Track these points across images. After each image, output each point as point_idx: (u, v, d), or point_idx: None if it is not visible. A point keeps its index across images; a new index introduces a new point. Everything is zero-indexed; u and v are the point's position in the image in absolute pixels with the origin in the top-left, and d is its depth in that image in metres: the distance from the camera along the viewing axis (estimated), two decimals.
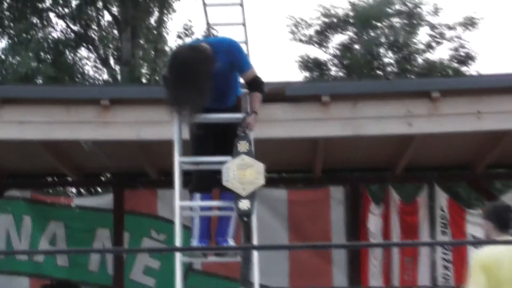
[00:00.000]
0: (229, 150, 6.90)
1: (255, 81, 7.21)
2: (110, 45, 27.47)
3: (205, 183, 7.22)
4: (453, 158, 12.19)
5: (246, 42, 9.59)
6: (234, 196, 6.58)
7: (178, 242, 6.60)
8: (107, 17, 27.56)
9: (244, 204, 6.47)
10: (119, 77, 26.56)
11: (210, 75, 6.88)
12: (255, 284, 6.48)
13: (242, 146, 6.71)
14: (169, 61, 7.29)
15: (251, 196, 6.52)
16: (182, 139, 6.99)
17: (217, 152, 7.00)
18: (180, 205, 6.69)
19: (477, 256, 6.98)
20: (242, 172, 6.53)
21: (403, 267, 12.92)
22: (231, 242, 7.09)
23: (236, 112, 7.15)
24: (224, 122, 7.19)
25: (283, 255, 12.91)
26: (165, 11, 28.00)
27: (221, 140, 7.14)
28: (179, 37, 28.16)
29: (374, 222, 12.95)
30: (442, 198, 13.13)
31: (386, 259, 12.93)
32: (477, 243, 8.08)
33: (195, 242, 7.10)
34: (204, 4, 10.08)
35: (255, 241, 6.69)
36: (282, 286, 12.79)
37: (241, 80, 7.40)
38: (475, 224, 12.82)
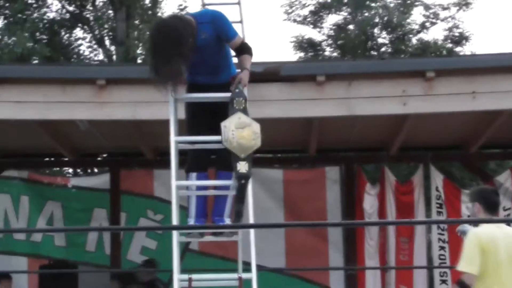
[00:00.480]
0: None
1: (242, 46, 7.32)
2: (105, 26, 27.44)
3: (201, 162, 7.23)
4: (448, 138, 12.20)
5: (241, 22, 9.58)
6: (232, 157, 6.52)
7: (175, 221, 6.59)
8: None
9: (242, 167, 6.42)
10: (114, 57, 26.54)
11: (192, 42, 6.89)
12: (252, 263, 6.47)
13: (238, 103, 6.67)
14: (152, 28, 7.33)
15: (249, 158, 6.48)
16: (177, 118, 6.97)
17: (211, 131, 6.97)
18: (176, 184, 6.69)
19: (475, 236, 7.01)
20: (240, 132, 6.48)
21: (399, 247, 12.92)
22: (227, 221, 7.08)
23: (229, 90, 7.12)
24: (217, 101, 7.19)
25: (279, 235, 12.93)
26: None
27: (215, 118, 7.10)
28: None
29: (369, 202, 12.95)
30: (438, 178, 13.13)
31: (382, 239, 12.95)
32: (473, 221, 8.06)
33: (192, 222, 7.10)
34: None
35: (251, 219, 6.69)
36: (278, 266, 12.80)
37: (231, 51, 7.46)
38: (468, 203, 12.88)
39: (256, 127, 6.53)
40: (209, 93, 7.23)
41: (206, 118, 7.21)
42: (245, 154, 6.43)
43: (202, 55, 7.12)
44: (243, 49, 7.37)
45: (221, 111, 7.08)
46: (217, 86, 7.26)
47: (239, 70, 7.35)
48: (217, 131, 6.83)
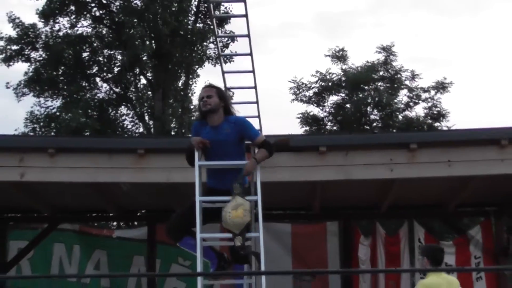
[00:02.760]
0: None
1: (265, 143, 7.04)
2: (145, 104, 27.57)
3: (178, 234, 7.09)
4: (428, 198, 12.14)
5: (257, 102, 9.62)
6: (232, 235, 6.44)
7: (199, 268, 6.55)
8: (143, 80, 27.73)
9: (237, 241, 6.36)
10: (152, 130, 26.63)
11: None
12: None
13: (236, 188, 6.59)
14: None
15: (242, 233, 6.39)
16: (201, 182, 6.93)
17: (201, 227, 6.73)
18: (200, 236, 6.64)
19: (422, 284, 7.60)
20: (235, 212, 6.41)
21: None
22: None
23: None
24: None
25: (287, 279, 12.84)
26: (190, 76, 28.14)
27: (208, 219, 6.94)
28: None
29: (363, 251, 12.88)
30: (420, 232, 13.06)
31: (373, 282, 12.85)
32: (448, 270, 8.29)
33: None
34: (223, 71, 10.13)
35: (263, 266, 6.63)
36: None
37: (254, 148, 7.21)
38: (447, 253, 12.74)
39: (247, 205, 6.46)
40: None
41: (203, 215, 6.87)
42: (239, 230, 6.37)
43: (220, 149, 6.95)
44: (264, 145, 7.05)
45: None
46: (223, 191, 6.89)
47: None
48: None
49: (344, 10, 53.87)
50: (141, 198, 11.79)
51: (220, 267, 6.88)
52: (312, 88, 26.81)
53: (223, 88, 7.51)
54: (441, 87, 26.07)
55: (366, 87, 26.13)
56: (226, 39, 26.34)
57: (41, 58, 26.45)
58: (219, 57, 11.78)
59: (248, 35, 9.35)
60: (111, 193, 11.29)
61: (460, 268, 7.42)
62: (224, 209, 6.40)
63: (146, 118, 27.48)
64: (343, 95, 26.62)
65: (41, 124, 26.01)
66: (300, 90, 26.89)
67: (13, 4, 47.37)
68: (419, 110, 26.40)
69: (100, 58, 27.15)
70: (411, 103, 26.47)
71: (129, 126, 27.75)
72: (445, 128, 24.99)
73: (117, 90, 27.39)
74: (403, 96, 26.57)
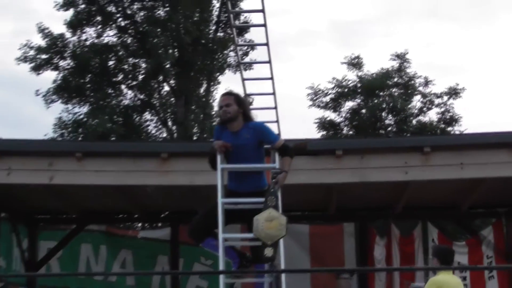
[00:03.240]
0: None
1: (284, 147, 6.94)
2: (168, 110, 27.61)
3: (200, 235, 7.00)
4: (441, 200, 12.10)
5: (275, 108, 9.63)
6: (262, 244, 6.39)
7: (221, 266, 6.55)
8: (166, 88, 27.77)
9: (268, 252, 6.32)
10: (175, 135, 26.68)
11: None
12: None
13: (271, 201, 6.53)
14: None
15: (275, 245, 6.37)
16: (223, 184, 6.92)
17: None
18: (223, 236, 6.64)
19: (433, 282, 7.57)
20: (268, 223, 6.35)
21: None
22: None
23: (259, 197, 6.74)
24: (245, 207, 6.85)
25: (305, 278, 12.83)
26: (212, 83, 28.15)
27: (231, 219, 6.89)
28: None
29: (379, 251, 12.85)
30: (433, 232, 13.02)
31: (389, 281, 12.81)
32: (461, 268, 8.31)
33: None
34: (243, 78, 10.16)
35: (282, 265, 6.61)
36: None
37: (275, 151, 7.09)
38: (460, 253, 12.70)
39: (283, 219, 6.40)
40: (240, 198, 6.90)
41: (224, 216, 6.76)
42: (271, 241, 6.32)
43: (240, 154, 6.91)
44: (285, 152, 6.91)
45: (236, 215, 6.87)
46: (243, 193, 6.90)
47: (276, 169, 6.87)
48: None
49: (357, 19, 53.72)
50: (165, 200, 11.82)
51: (242, 265, 6.86)
52: (329, 94, 26.80)
53: (241, 94, 7.48)
54: (453, 93, 25.98)
55: (381, 93, 26.07)
56: (246, 47, 26.37)
57: (69, 67, 26.57)
58: (239, 65, 11.82)
59: (267, 44, 9.38)
60: (136, 196, 11.33)
61: (472, 266, 7.43)
62: (256, 218, 6.35)
63: (169, 123, 27.53)
64: (359, 101, 26.57)
65: (69, 129, 26.09)
66: (317, 96, 26.90)
67: (43, 15, 47.72)
68: (432, 115, 26.34)
69: (125, 66, 27.24)
70: (424, 109, 26.39)
71: (153, 131, 27.79)
72: (457, 132, 24.89)
73: (141, 96, 27.45)
74: (416, 101, 26.51)
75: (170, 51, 26.16)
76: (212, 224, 6.70)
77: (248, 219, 6.58)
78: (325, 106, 26.87)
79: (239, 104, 6.95)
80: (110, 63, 27.03)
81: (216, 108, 28.20)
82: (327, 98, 26.82)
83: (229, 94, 7.12)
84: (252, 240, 6.59)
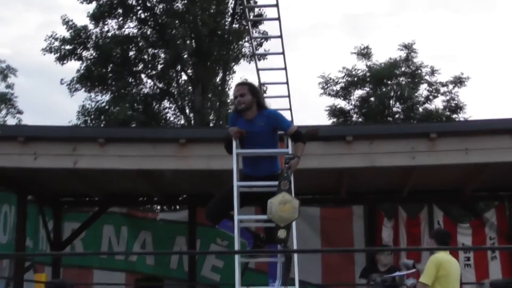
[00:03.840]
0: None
1: (297, 133, 6.90)
2: (186, 98, 27.61)
3: (216, 216, 7.00)
4: (447, 184, 12.06)
5: (288, 96, 9.61)
6: (275, 226, 6.38)
7: (237, 246, 6.55)
8: (184, 77, 27.77)
9: (282, 234, 6.30)
10: (192, 122, 26.70)
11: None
12: (296, 279, 6.39)
13: (284, 185, 6.51)
14: None
15: (288, 227, 6.35)
16: (238, 168, 6.91)
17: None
18: (238, 218, 6.64)
19: (434, 258, 7.68)
20: (282, 206, 6.33)
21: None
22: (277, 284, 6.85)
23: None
24: (258, 190, 6.83)
25: (317, 258, 12.84)
26: (227, 72, 28.14)
27: (245, 201, 6.88)
28: None
29: (386, 233, 12.83)
30: (439, 214, 12.98)
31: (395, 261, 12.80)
32: (466, 249, 8.36)
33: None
34: (257, 68, 10.14)
35: (295, 246, 6.61)
36: (316, 281, 12.69)
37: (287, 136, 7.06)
38: (464, 235, 12.68)
39: (296, 203, 6.37)
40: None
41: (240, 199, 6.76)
42: (284, 224, 6.30)
43: (254, 140, 6.90)
44: (298, 138, 6.89)
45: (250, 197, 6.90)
46: (257, 177, 6.87)
47: (289, 155, 6.82)
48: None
49: (367, 11, 53.55)
50: (183, 183, 11.84)
51: (256, 246, 6.86)
52: (339, 83, 26.73)
53: (255, 83, 7.45)
54: (458, 81, 25.85)
55: (389, 82, 25.97)
56: (260, 38, 26.32)
57: (91, 57, 26.61)
58: (253, 56, 11.79)
59: (280, 36, 9.34)
60: (155, 179, 11.35)
61: (476, 247, 7.53)
62: (270, 201, 6.34)
63: (187, 111, 27.54)
64: (368, 89, 26.49)
65: (92, 116, 26.17)
66: (328, 85, 26.83)
67: (67, 8, 47.88)
68: (438, 103, 26.23)
69: (145, 57, 27.25)
70: (430, 97, 26.28)
71: (172, 119, 27.82)
72: (462, 119, 24.78)
73: (160, 85, 27.49)
74: (423, 90, 26.38)
75: (188, 42, 26.15)
76: (228, 206, 6.70)
77: (262, 202, 6.58)
78: (336, 95, 26.81)
79: (253, 93, 6.93)
80: (131, 53, 27.04)
81: (231, 97, 28.25)
82: (338, 87, 26.77)
83: (243, 84, 7.10)
84: (266, 222, 6.59)
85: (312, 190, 12.79)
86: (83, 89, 26.80)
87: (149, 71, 27.36)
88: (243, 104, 6.88)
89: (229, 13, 27.57)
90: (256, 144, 6.88)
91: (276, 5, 8.74)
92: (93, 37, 26.49)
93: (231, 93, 28.20)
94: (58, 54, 26.27)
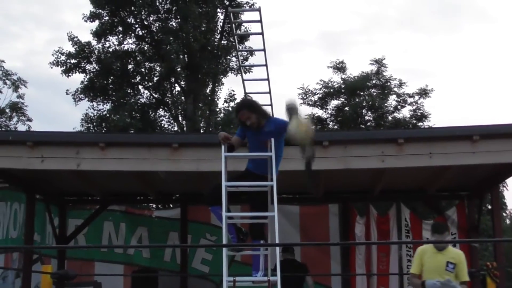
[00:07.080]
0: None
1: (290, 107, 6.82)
2: (179, 107, 27.59)
3: (212, 201, 6.77)
4: (413, 184, 12.08)
5: (271, 105, 9.60)
6: (301, 147, 6.22)
7: (224, 240, 6.51)
8: (177, 88, 27.75)
9: (308, 152, 6.19)
10: (185, 128, 26.66)
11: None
12: (278, 270, 6.31)
13: (291, 110, 6.38)
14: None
15: (311, 144, 6.21)
16: (226, 170, 6.87)
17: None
18: (226, 215, 6.59)
19: (420, 248, 7.73)
20: (300, 126, 6.21)
21: (379, 260, 12.77)
22: (260, 274, 6.74)
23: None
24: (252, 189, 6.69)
25: (296, 251, 12.81)
26: (216, 84, 28.18)
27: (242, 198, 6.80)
28: (225, 101, 28.33)
29: (359, 229, 12.84)
30: (406, 212, 13.01)
31: (367, 254, 12.81)
32: (428, 242, 8.38)
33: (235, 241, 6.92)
34: (243, 79, 10.13)
35: (277, 240, 6.57)
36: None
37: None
38: (429, 230, 12.69)
39: (306, 121, 6.30)
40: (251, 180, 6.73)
41: (230, 195, 6.58)
42: (306, 142, 6.17)
43: (262, 144, 6.78)
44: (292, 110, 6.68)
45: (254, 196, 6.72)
46: (257, 175, 6.76)
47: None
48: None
49: (342, 30, 53.72)
50: (175, 184, 11.80)
51: (239, 239, 6.81)
52: (317, 94, 26.76)
53: (247, 98, 7.40)
54: (423, 93, 25.95)
55: (362, 93, 26.03)
56: (246, 53, 26.35)
57: (94, 70, 26.56)
58: (240, 68, 11.78)
59: (264, 50, 9.36)
60: (150, 180, 11.32)
61: (439, 241, 7.46)
62: (289, 128, 6.22)
63: (180, 119, 27.51)
64: (343, 99, 26.53)
65: (94, 124, 26.10)
66: (307, 96, 26.86)
67: (73, 26, 47.78)
68: (406, 112, 26.31)
69: (142, 70, 27.22)
70: (398, 106, 26.36)
71: (166, 126, 27.78)
72: (427, 127, 24.86)
73: (156, 95, 27.44)
74: (392, 100, 26.46)
75: (181, 56, 26.14)
76: (221, 193, 6.62)
77: (250, 200, 6.56)
78: (314, 104, 26.86)
79: (253, 111, 6.83)
80: (130, 66, 27.00)
81: (220, 106, 28.38)
82: (316, 97, 26.80)
83: (241, 109, 6.93)
84: (252, 218, 6.57)
85: (292, 190, 12.77)
86: (87, 99, 26.75)
87: (146, 82, 27.32)
88: (255, 124, 6.80)
89: (218, 31, 27.59)
90: (263, 147, 6.80)
91: (260, 21, 8.76)
92: (96, 52, 26.46)
93: (220, 102, 28.36)
94: (64, 67, 26.22)
